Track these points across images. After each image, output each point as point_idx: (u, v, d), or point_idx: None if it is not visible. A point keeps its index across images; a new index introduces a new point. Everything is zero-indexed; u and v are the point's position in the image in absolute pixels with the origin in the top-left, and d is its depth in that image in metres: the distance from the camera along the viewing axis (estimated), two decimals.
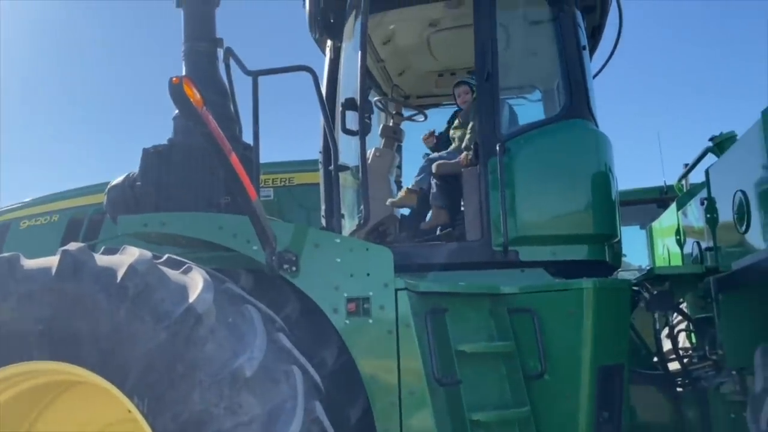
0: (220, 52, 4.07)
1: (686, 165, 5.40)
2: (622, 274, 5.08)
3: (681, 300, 4.39)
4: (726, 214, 3.62)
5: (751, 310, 3.47)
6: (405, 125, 5.60)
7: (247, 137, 4.05)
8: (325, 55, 4.89)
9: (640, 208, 7.15)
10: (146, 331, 2.60)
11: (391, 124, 5.51)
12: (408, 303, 3.06)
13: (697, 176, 5.16)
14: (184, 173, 3.86)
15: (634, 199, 7.10)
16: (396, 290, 3.08)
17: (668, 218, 5.31)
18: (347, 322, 3.09)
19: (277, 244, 3.14)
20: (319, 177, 4.61)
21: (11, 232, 6.18)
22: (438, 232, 4.33)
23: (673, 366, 4.29)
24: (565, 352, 3.34)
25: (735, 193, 3.43)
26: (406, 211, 4.94)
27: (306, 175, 5.69)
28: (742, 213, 3.35)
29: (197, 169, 3.87)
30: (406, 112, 5.67)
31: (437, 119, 5.49)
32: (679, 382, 4.24)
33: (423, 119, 5.67)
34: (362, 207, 3.76)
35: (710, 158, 4.68)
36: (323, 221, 4.47)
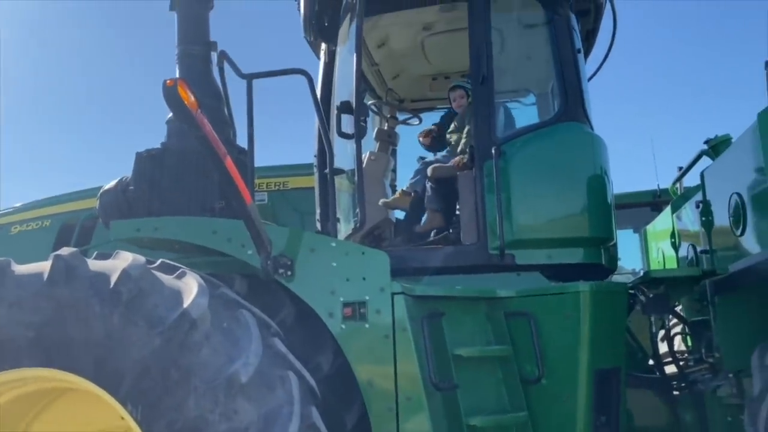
0: (214, 56, 4.05)
1: (680, 168, 5.40)
2: (615, 278, 5.08)
3: (677, 303, 4.39)
4: (722, 216, 3.63)
5: (747, 312, 3.47)
6: (399, 129, 5.60)
7: (242, 141, 4.04)
8: (319, 58, 4.88)
9: (633, 211, 7.14)
10: (140, 336, 2.57)
11: (385, 127, 5.50)
12: (404, 307, 3.04)
13: (691, 179, 5.18)
14: (177, 177, 3.83)
15: (628, 202, 7.10)
16: (392, 294, 3.06)
17: (663, 221, 5.31)
18: (343, 326, 3.07)
19: (272, 249, 3.12)
20: (313, 181, 4.59)
21: (1, 238, 6.11)
22: (433, 236, 4.31)
23: (670, 369, 4.30)
24: (562, 355, 3.33)
25: (731, 195, 3.43)
26: (401, 215, 4.92)
27: (301, 179, 5.67)
28: (738, 216, 3.35)
29: (191, 173, 3.83)
30: (400, 116, 5.67)
31: (431, 122, 5.48)
32: (675, 386, 4.24)
33: (417, 123, 5.67)
34: (358, 211, 3.74)
35: (704, 161, 4.68)
36: (318, 225, 4.45)
